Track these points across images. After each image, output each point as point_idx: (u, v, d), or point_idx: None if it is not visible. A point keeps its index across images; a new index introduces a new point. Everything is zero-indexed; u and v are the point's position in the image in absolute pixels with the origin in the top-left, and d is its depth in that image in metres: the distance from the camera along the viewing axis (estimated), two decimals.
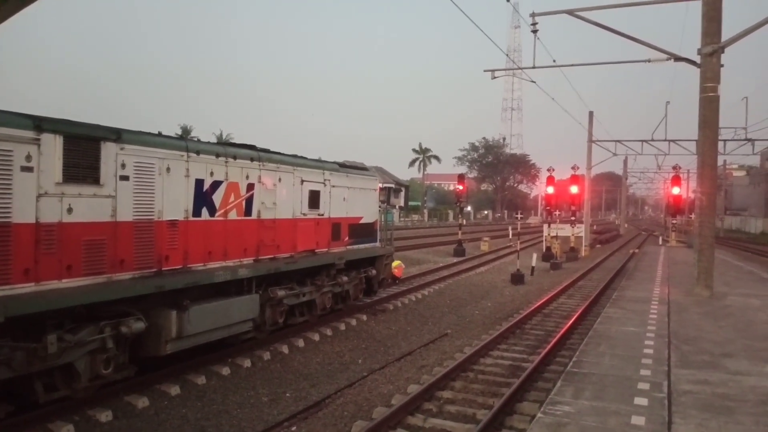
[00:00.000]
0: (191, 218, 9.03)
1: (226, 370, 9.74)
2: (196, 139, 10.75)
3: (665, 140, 37.69)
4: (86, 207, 7.32)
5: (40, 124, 6.87)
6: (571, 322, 13.86)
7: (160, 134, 8.87)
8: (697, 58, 14.26)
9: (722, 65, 14.00)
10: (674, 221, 46.47)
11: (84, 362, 7.42)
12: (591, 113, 38.60)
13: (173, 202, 8.69)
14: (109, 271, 7.61)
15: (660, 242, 45.07)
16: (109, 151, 7.63)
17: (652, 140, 37.99)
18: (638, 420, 5.86)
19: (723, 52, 13.96)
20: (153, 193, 8.33)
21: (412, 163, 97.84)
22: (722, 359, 8.40)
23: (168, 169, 8.59)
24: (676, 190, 35.55)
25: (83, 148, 7.30)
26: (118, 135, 7.79)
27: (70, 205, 7.11)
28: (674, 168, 37.61)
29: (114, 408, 7.91)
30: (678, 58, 15.42)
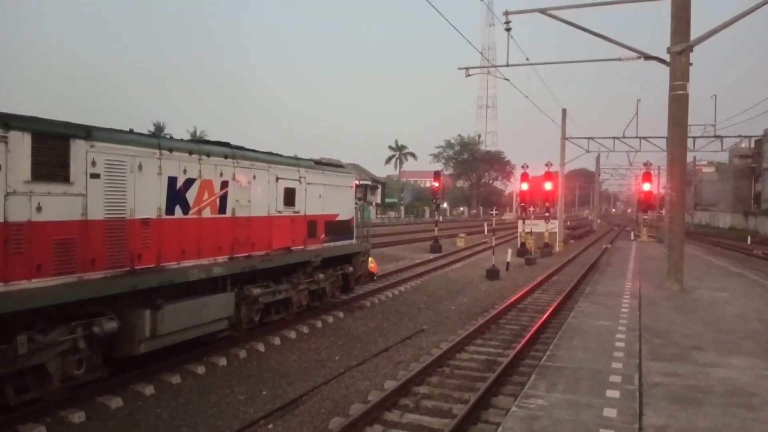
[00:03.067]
0: (164, 216, 8.91)
1: (201, 369, 9.65)
2: (168, 137, 10.62)
3: (636, 137, 38.36)
4: (56, 206, 7.18)
5: (8, 122, 6.71)
6: (545, 316, 14.01)
7: (131, 131, 8.73)
8: (667, 57, 14.51)
9: (691, 64, 14.26)
10: (645, 217, 47.24)
11: (55, 363, 7.29)
12: (564, 111, 39.02)
13: (146, 200, 8.57)
14: (81, 270, 7.47)
15: (632, 237, 45.81)
16: (79, 148, 7.49)
17: (624, 137, 38.63)
18: (610, 412, 5.96)
19: (692, 50, 14.22)
20: (125, 191, 8.20)
21: (388, 160, 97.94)
22: (691, 352, 8.57)
23: (140, 167, 8.47)
24: (646, 187, 36.14)
25: (52, 146, 7.16)
26: (88, 132, 7.65)
27: (39, 203, 6.97)
28: (645, 165, 38.29)
29: (87, 409, 7.78)
30: (648, 57, 15.67)
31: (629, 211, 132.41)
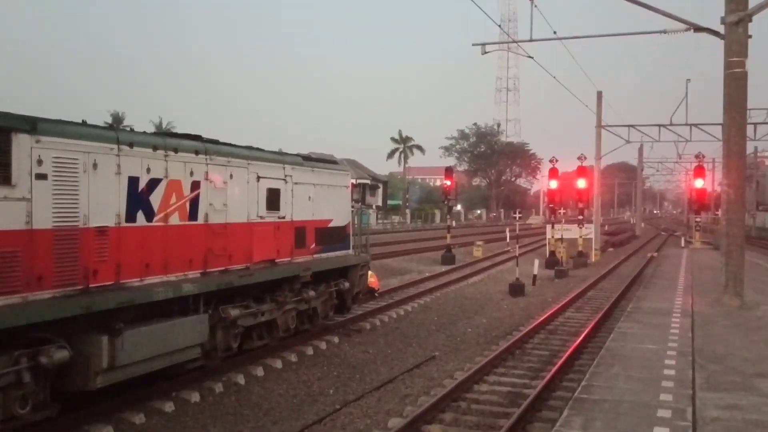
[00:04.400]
0: (124, 224, 8.91)
1: (169, 407, 9.63)
2: (129, 129, 10.66)
3: (686, 125, 38.39)
4: None
5: None
6: (579, 339, 13.99)
7: (84, 123, 8.74)
8: (721, 29, 14.51)
9: (750, 36, 14.25)
10: (698, 219, 47.20)
11: None
12: (599, 94, 39.06)
13: (102, 205, 8.56)
14: (24, 289, 7.46)
15: (682, 244, 45.77)
16: (22, 144, 7.49)
17: (671, 125, 38.65)
18: None
19: (750, 20, 14.21)
20: (77, 194, 8.20)
21: (390, 155, 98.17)
22: (755, 380, 8.54)
23: (95, 166, 8.47)
24: (699, 183, 36.08)
25: None
26: (32, 125, 7.66)
27: None
28: (697, 157, 38.22)
29: None
30: (699, 29, 15.69)
31: (679, 212, 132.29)
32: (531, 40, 21.13)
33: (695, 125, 38.48)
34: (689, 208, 67.25)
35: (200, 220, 10.41)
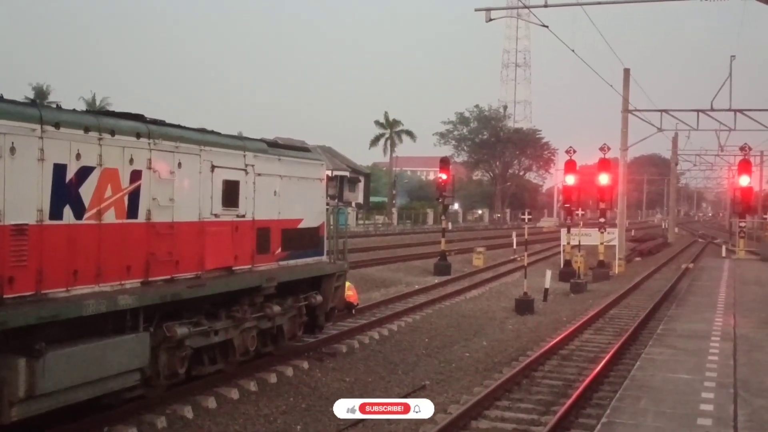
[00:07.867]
0: (47, 222, 8.85)
1: None
2: (55, 106, 10.58)
3: (730, 110, 38.55)
4: None
5: None
6: (599, 367, 14.05)
7: (0, 98, 8.66)
8: None
9: None
10: (742, 224, 47.57)
11: None
12: (627, 72, 39.25)
13: (20, 199, 8.51)
14: None
15: (723, 253, 46.13)
16: None
17: (712, 110, 38.82)
18: None
19: None
20: None
21: (374, 142, 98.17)
22: None
23: (12, 150, 8.40)
24: (744, 181, 36.35)
25: None
26: None
27: None
28: (742, 149, 38.52)
29: None
30: None
31: (721, 215, 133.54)
32: (545, 6, 21.24)
33: (740, 111, 38.69)
34: (732, 209, 67.76)
35: (141, 218, 10.36)
